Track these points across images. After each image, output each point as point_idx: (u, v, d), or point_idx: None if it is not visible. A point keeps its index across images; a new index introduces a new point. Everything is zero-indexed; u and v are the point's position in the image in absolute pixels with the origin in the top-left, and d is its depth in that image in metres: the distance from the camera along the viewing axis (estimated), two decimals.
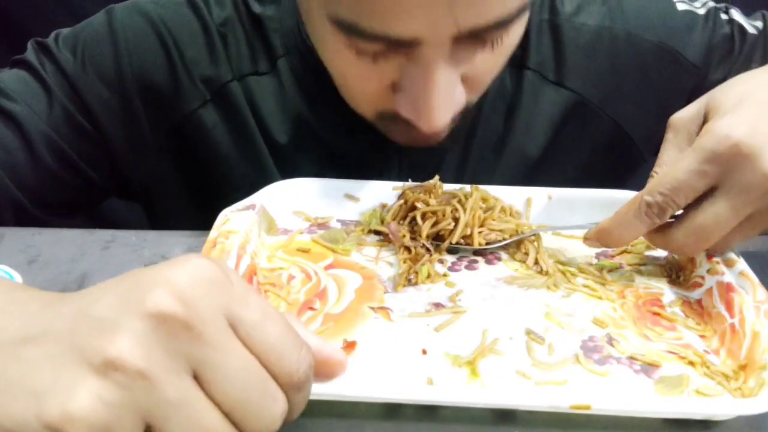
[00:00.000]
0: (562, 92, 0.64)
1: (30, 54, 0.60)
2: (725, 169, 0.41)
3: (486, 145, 0.64)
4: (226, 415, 0.27)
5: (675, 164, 0.42)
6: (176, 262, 0.28)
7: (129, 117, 0.60)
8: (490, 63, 0.50)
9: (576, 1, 0.64)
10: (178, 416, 0.26)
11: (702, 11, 0.65)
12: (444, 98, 0.47)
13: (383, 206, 0.55)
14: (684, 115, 0.46)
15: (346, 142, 0.61)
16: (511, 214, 0.53)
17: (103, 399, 0.24)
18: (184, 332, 0.26)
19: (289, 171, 0.56)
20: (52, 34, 0.61)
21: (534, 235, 0.51)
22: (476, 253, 0.51)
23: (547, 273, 0.49)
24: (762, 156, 0.40)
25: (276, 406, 0.28)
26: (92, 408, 0.24)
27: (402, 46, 0.45)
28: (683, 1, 0.65)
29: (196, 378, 0.27)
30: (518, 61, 0.62)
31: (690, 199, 0.43)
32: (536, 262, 0.50)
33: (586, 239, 0.48)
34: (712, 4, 0.66)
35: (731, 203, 0.42)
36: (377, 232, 0.53)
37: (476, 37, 0.45)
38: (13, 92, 0.58)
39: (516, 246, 0.51)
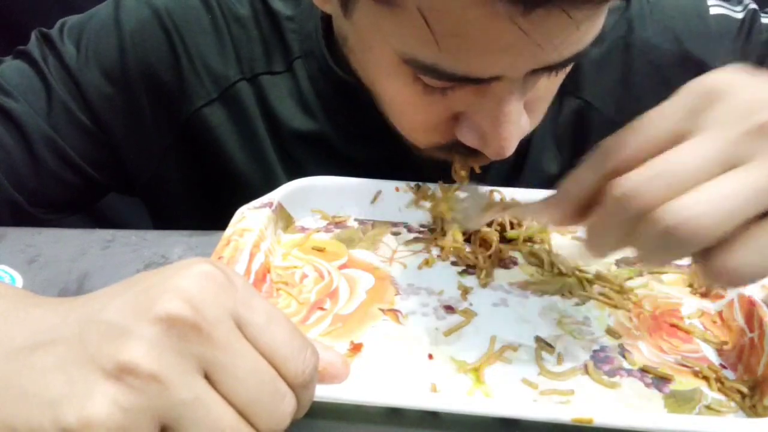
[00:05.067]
0: (576, 103, 0.62)
1: (33, 46, 0.59)
2: (699, 108, 0.33)
3: (505, 160, 0.62)
4: (239, 413, 0.27)
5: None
6: (181, 268, 0.28)
7: (133, 113, 0.59)
8: (551, 87, 0.49)
9: None
10: (194, 416, 0.26)
11: (740, 15, 0.61)
12: (515, 128, 0.46)
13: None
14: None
15: (359, 152, 0.59)
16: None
17: (118, 403, 0.25)
18: (194, 335, 0.26)
19: (295, 173, 0.54)
20: (58, 23, 0.60)
21: None
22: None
23: (564, 274, 0.48)
24: (744, 89, 0.33)
25: (285, 403, 0.28)
26: (109, 413, 0.25)
27: (477, 83, 0.43)
28: (720, 5, 0.61)
29: (208, 379, 0.27)
30: None
31: (654, 145, 0.33)
32: (552, 265, 0.49)
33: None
34: (753, 6, 0.62)
35: (706, 136, 0.32)
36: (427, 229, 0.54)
37: (550, 69, 0.44)
38: (13, 88, 0.57)
39: (528, 253, 0.51)
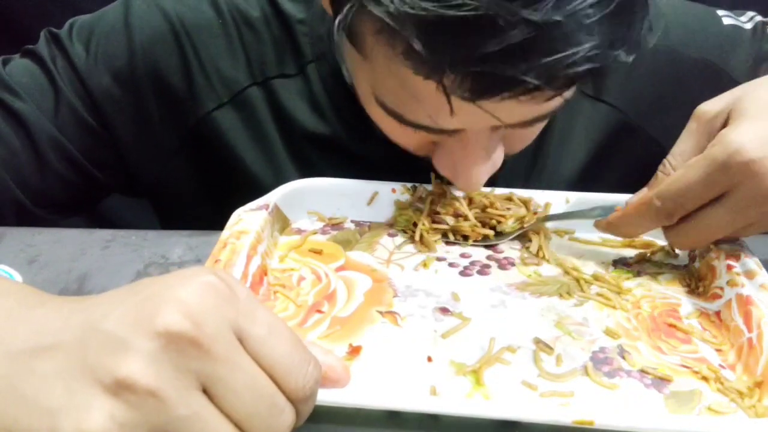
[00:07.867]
0: (600, 107, 0.62)
1: (41, 45, 0.58)
2: (734, 182, 0.42)
3: (519, 160, 0.61)
4: (236, 428, 0.27)
5: (686, 171, 0.44)
6: (184, 278, 0.28)
7: (141, 117, 0.59)
8: (532, 133, 0.52)
9: None
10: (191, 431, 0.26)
11: (749, 26, 0.62)
12: (482, 167, 0.48)
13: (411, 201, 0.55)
14: (709, 109, 0.46)
15: (372, 154, 0.59)
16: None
17: (115, 419, 0.25)
18: (193, 350, 0.26)
19: (307, 175, 0.54)
20: (67, 23, 0.60)
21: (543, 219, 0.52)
22: (488, 246, 0.52)
23: (547, 260, 0.50)
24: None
25: (284, 418, 0.28)
26: (105, 428, 0.25)
27: (440, 132, 0.46)
28: (729, 16, 0.63)
29: (206, 393, 0.27)
30: None
31: (697, 205, 0.45)
32: (539, 250, 0.50)
33: (596, 226, 0.50)
34: (759, 18, 0.64)
35: (733, 215, 0.44)
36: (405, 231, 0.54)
37: (520, 126, 0.46)
38: (20, 88, 0.56)
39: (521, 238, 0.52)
